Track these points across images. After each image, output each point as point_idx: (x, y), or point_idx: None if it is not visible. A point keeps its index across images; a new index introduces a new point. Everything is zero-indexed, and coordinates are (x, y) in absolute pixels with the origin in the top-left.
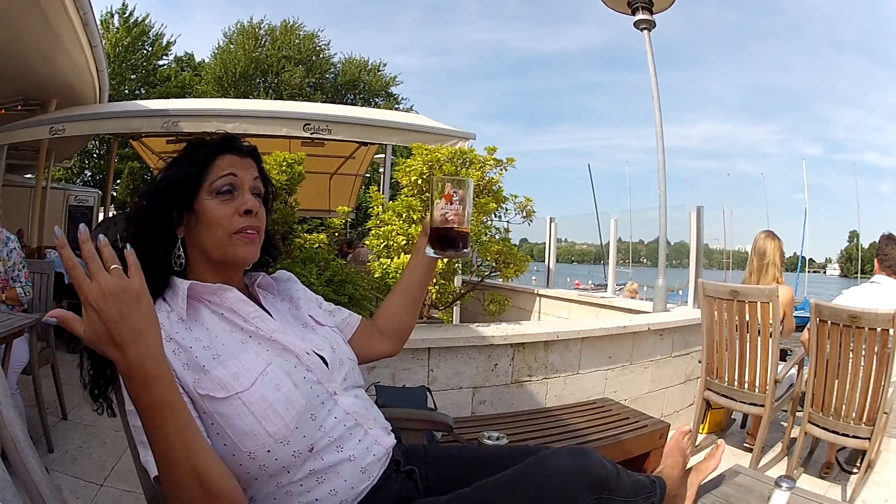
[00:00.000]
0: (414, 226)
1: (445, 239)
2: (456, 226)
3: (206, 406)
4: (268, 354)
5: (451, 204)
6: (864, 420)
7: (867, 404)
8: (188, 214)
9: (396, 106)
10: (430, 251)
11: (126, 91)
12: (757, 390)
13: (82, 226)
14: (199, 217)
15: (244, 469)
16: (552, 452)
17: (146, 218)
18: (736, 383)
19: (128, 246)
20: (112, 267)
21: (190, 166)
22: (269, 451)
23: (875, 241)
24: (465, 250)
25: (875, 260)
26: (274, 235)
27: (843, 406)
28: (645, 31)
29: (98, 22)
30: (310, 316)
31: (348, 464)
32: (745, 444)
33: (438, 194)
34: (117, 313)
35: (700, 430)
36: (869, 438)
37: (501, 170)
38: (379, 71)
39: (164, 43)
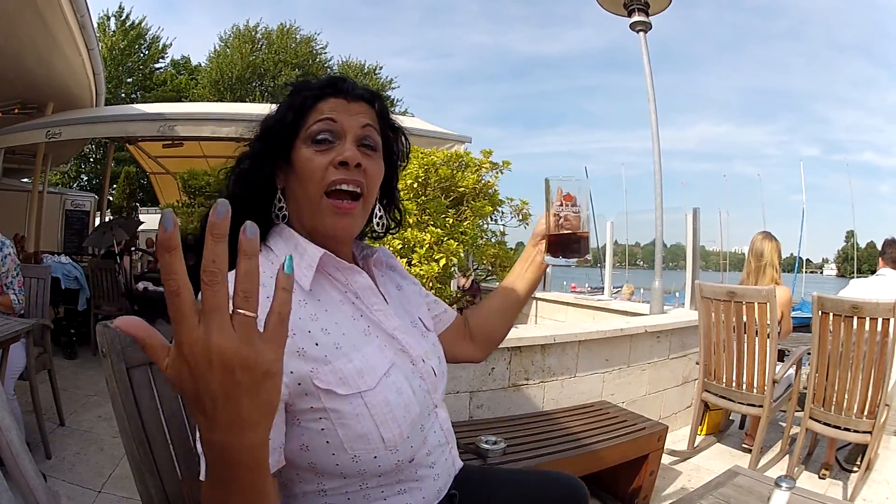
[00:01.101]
0: (410, 230)
1: (565, 244)
2: (576, 230)
3: (322, 401)
4: (390, 353)
5: (569, 206)
6: (865, 413)
7: (868, 396)
8: (286, 165)
9: (393, 109)
10: (549, 258)
11: (122, 95)
12: (755, 391)
13: (249, 224)
14: (293, 168)
15: (339, 468)
16: None
17: (245, 166)
18: (734, 384)
19: (285, 266)
20: (242, 314)
21: (286, 110)
22: (375, 457)
23: (872, 241)
24: (587, 255)
25: (880, 259)
26: (400, 207)
27: (845, 399)
28: (641, 33)
29: (95, 24)
30: (419, 318)
31: (432, 481)
32: (744, 445)
33: (553, 197)
34: (221, 391)
35: (698, 432)
36: (870, 432)
37: (497, 173)
38: (375, 74)
39: (161, 46)
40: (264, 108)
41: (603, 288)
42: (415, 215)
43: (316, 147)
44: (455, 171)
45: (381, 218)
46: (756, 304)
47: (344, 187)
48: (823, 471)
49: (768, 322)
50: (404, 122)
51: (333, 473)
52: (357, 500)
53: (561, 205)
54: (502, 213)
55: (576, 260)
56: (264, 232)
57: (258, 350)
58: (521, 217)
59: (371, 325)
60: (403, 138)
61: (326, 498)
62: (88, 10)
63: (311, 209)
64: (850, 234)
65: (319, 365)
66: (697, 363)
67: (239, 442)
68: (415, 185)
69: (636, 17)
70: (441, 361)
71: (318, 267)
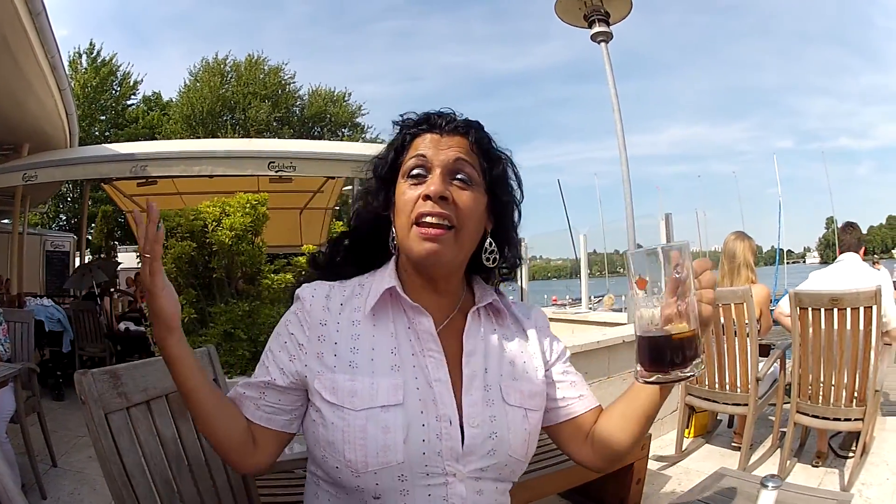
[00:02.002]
0: None
1: (655, 351)
2: (672, 331)
3: (316, 398)
4: (407, 396)
5: (657, 293)
6: (855, 401)
7: (857, 385)
8: (393, 199)
9: (363, 136)
10: (644, 375)
11: (96, 132)
12: (739, 390)
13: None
14: (394, 201)
15: (320, 459)
16: None
17: (361, 203)
18: (717, 385)
19: None
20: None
21: (389, 149)
22: (337, 467)
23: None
24: (689, 368)
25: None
26: (516, 243)
27: (832, 391)
28: (602, 44)
29: (66, 63)
30: (500, 385)
31: None
32: (733, 444)
33: (634, 276)
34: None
35: (686, 435)
36: (862, 419)
37: None
38: (345, 101)
39: (132, 83)
40: (235, 143)
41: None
42: None
43: (410, 181)
44: None
45: (491, 252)
46: (732, 305)
47: (428, 219)
48: (816, 459)
49: (746, 321)
50: (372, 150)
51: (318, 462)
52: (333, 499)
53: (647, 289)
54: None
55: (673, 374)
56: (378, 258)
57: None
58: None
59: (416, 367)
60: (510, 167)
61: (319, 482)
62: (59, 50)
63: (404, 238)
64: (831, 221)
65: (326, 371)
66: None
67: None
68: None
69: (597, 28)
70: (499, 438)
71: (391, 296)
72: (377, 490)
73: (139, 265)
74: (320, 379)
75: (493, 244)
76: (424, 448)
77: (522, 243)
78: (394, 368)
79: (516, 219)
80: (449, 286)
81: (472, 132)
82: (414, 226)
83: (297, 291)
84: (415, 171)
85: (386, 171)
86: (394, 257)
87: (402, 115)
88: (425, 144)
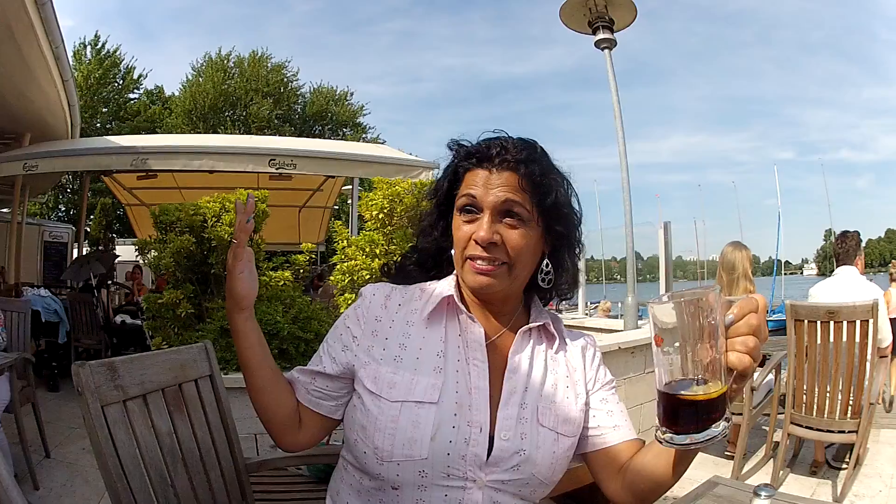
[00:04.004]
0: (377, 260)
1: (668, 410)
2: (697, 392)
3: (359, 385)
4: (443, 396)
5: (674, 345)
6: (849, 414)
7: (851, 397)
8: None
9: (364, 136)
10: (669, 437)
11: (98, 124)
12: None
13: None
14: (452, 230)
15: (350, 445)
16: None
17: (425, 223)
18: None
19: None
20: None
21: (444, 179)
22: (365, 452)
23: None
24: (713, 431)
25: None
26: (568, 269)
27: (827, 402)
28: (606, 50)
29: (70, 54)
30: (537, 406)
31: None
32: (727, 453)
33: (659, 331)
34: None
35: None
36: (856, 431)
37: None
38: (347, 101)
39: (136, 76)
40: (236, 139)
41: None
42: (381, 245)
43: (463, 216)
44: (420, 200)
45: (547, 273)
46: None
47: (479, 263)
48: (813, 468)
49: None
50: (372, 150)
51: (349, 446)
52: (354, 486)
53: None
54: None
55: (698, 439)
56: (441, 269)
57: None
58: None
59: (459, 371)
60: (564, 191)
61: (347, 467)
62: (63, 41)
63: (459, 267)
64: (829, 233)
65: (373, 362)
66: None
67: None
68: (380, 216)
69: (601, 35)
70: (527, 455)
71: (447, 303)
72: (397, 481)
73: (137, 258)
74: (366, 369)
75: (550, 266)
76: (450, 449)
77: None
78: (437, 369)
79: (576, 238)
80: (505, 307)
81: (522, 167)
82: (468, 260)
83: (362, 289)
84: (466, 208)
85: (443, 200)
86: (455, 273)
87: (456, 141)
88: (475, 182)
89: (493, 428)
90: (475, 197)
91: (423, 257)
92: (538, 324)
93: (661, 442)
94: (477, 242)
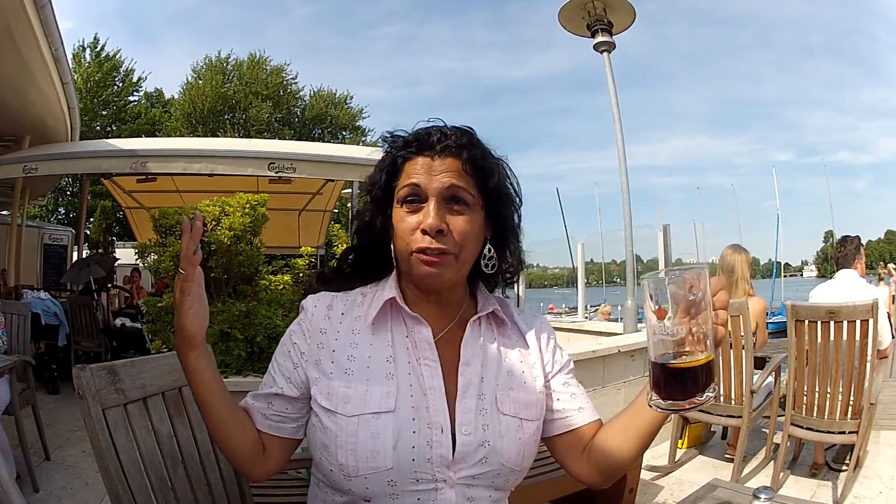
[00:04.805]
0: None
1: (671, 378)
2: (685, 357)
3: (314, 402)
4: (400, 403)
5: (674, 318)
6: (849, 414)
7: (851, 398)
8: (391, 217)
9: (363, 139)
10: (656, 401)
11: (98, 127)
12: (733, 402)
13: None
14: (393, 224)
15: (317, 461)
16: None
17: (360, 221)
18: None
19: None
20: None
21: (381, 172)
22: (332, 470)
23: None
24: (704, 396)
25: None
26: (515, 249)
27: (827, 403)
28: (605, 54)
29: (70, 56)
30: (495, 396)
31: None
32: (727, 455)
33: (653, 305)
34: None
35: (679, 446)
36: (856, 432)
37: None
38: (346, 104)
39: (135, 79)
40: (236, 143)
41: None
42: None
43: (406, 208)
44: None
45: (490, 259)
46: (728, 318)
47: (427, 252)
48: (813, 470)
49: (742, 334)
50: (371, 154)
51: (316, 464)
52: (328, 502)
53: (662, 317)
54: None
55: (687, 402)
56: (382, 269)
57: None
58: None
59: (412, 374)
60: (505, 175)
61: (319, 484)
62: (63, 43)
63: (404, 260)
64: (829, 235)
65: (323, 377)
66: None
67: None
68: None
69: (599, 38)
70: (492, 447)
71: (391, 307)
72: (367, 493)
73: (137, 261)
74: (317, 385)
75: (493, 251)
76: (414, 455)
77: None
78: (388, 376)
79: (516, 222)
80: (451, 297)
81: (465, 152)
82: (414, 253)
83: (302, 302)
84: (409, 198)
85: (380, 194)
86: (395, 271)
87: (390, 133)
88: (417, 171)
89: (453, 425)
90: (419, 185)
91: (362, 258)
92: (487, 311)
93: (656, 408)
94: (425, 232)
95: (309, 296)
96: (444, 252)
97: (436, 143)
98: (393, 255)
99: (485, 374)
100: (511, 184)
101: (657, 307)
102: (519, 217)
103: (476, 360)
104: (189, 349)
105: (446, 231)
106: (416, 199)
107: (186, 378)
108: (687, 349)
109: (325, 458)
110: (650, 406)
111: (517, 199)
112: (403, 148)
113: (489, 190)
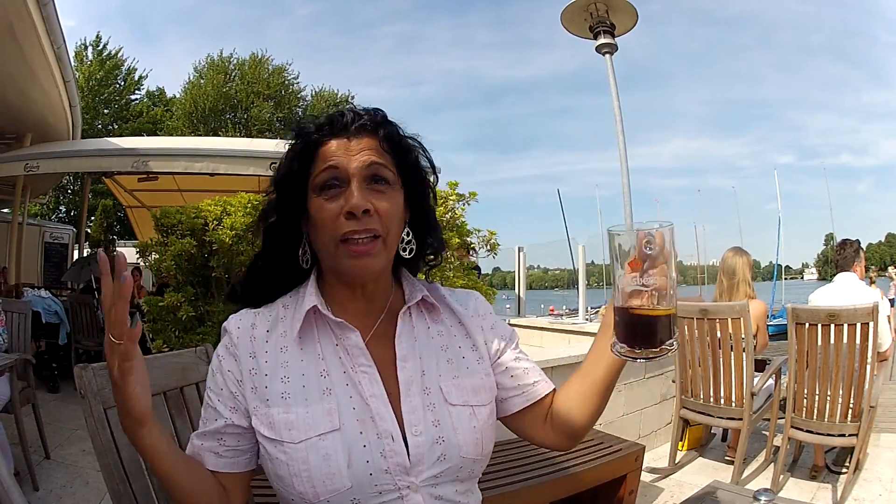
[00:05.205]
0: None
1: (633, 327)
2: (648, 307)
3: (260, 433)
4: (343, 418)
5: (640, 272)
6: (849, 417)
7: (851, 400)
8: (305, 212)
9: None
10: (620, 349)
11: (99, 126)
12: (734, 404)
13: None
14: (310, 217)
15: (277, 492)
16: None
17: (268, 221)
18: (712, 400)
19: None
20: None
21: (292, 161)
22: (292, 499)
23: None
24: (667, 346)
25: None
26: (435, 227)
27: (827, 406)
28: (607, 55)
29: (72, 54)
30: (440, 387)
31: None
32: (727, 458)
33: (619, 258)
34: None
35: (679, 448)
36: (856, 435)
37: (465, 204)
38: (348, 104)
39: (137, 77)
40: (237, 142)
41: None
42: None
43: (325, 195)
44: None
45: (408, 243)
46: (729, 320)
47: (356, 237)
48: (813, 472)
49: (743, 336)
50: None
51: (277, 494)
52: None
53: (631, 269)
54: (471, 244)
55: (650, 351)
56: (295, 277)
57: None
58: (489, 247)
59: (349, 385)
60: (421, 154)
61: None
62: (65, 41)
63: (329, 255)
64: (830, 237)
65: (261, 405)
66: (674, 381)
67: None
68: None
69: (602, 40)
70: (447, 443)
71: (314, 316)
72: None
73: (138, 260)
74: (257, 415)
75: (411, 234)
76: (370, 469)
77: (521, 253)
78: (326, 393)
79: (431, 203)
80: (377, 289)
81: (381, 129)
82: (341, 244)
83: (224, 324)
84: (328, 184)
85: (292, 187)
86: (314, 271)
87: (297, 124)
88: (334, 152)
89: (403, 427)
90: (337, 167)
91: (276, 264)
92: (416, 300)
93: (622, 356)
94: (351, 214)
95: (231, 316)
96: (374, 236)
97: (350, 124)
98: (304, 254)
99: (425, 367)
100: (428, 161)
101: (631, 259)
102: (434, 198)
103: (413, 354)
104: (139, 427)
105: (372, 211)
106: (336, 183)
107: (141, 455)
108: (656, 301)
109: (282, 488)
110: (617, 354)
111: (433, 178)
112: (316, 133)
113: (408, 167)
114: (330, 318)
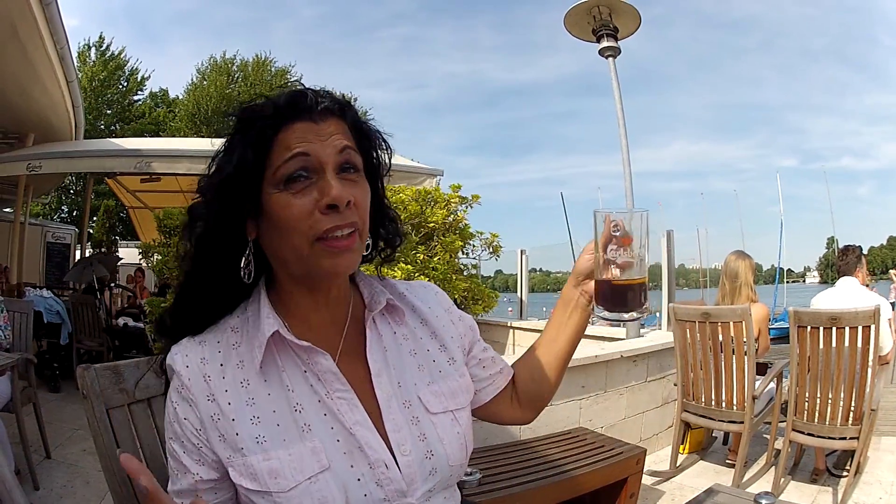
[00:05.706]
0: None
1: (616, 293)
2: (625, 277)
3: (238, 487)
4: (330, 455)
5: (618, 246)
6: (850, 420)
7: (853, 403)
8: (256, 213)
9: None
10: (599, 311)
11: (102, 126)
12: (735, 408)
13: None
14: (267, 217)
15: None
16: None
17: (202, 227)
18: (713, 403)
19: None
20: None
21: (243, 149)
22: None
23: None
24: (639, 310)
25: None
26: (393, 217)
27: (828, 409)
28: (610, 59)
29: (75, 55)
30: (419, 398)
31: None
32: (728, 461)
33: (599, 233)
34: None
35: (681, 451)
36: (857, 438)
37: (467, 207)
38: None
39: (140, 78)
40: None
41: None
42: None
43: (291, 190)
44: (424, 207)
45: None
46: (731, 324)
47: (338, 233)
48: (814, 476)
49: (745, 340)
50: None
51: None
52: None
53: (614, 244)
54: (473, 246)
55: (631, 315)
56: (239, 295)
57: None
58: (491, 250)
59: (328, 415)
60: (381, 141)
61: None
62: (68, 41)
63: (300, 259)
64: (832, 241)
65: (236, 455)
66: (675, 385)
67: None
68: None
69: (605, 43)
70: (436, 455)
71: (275, 343)
72: None
73: (140, 261)
74: (234, 466)
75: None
76: (369, 502)
77: (524, 256)
78: (304, 429)
79: (382, 189)
80: (340, 294)
81: (347, 112)
82: (317, 242)
83: (168, 361)
84: (296, 176)
85: (243, 181)
86: (261, 285)
87: (244, 107)
88: (300, 137)
89: (391, 448)
90: (308, 154)
91: (212, 282)
92: (381, 305)
93: (602, 320)
94: (331, 207)
95: (173, 351)
96: (354, 229)
97: (314, 105)
98: (244, 269)
99: (400, 378)
100: (385, 143)
101: (623, 236)
102: (384, 190)
103: (387, 366)
104: None
105: (352, 204)
106: (304, 173)
107: None
108: (635, 271)
109: None
110: (596, 319)
111: (387, 164)
112: (273, 116)
113: (370, 155)
114: (294, 342)
